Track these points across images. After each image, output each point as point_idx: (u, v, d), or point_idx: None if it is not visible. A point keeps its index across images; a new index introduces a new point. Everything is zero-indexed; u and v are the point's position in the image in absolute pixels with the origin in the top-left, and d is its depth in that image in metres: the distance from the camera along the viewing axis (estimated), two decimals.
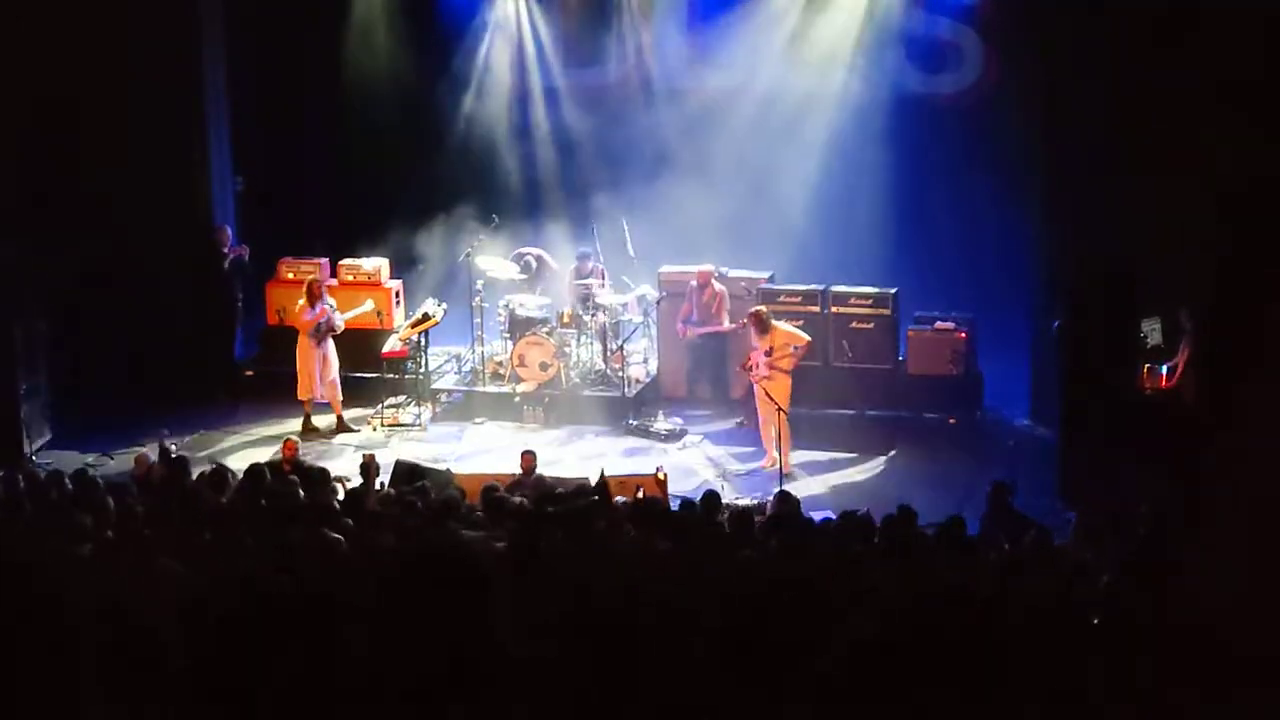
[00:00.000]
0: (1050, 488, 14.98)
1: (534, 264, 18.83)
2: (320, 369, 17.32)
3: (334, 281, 18.73)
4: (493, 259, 18.54)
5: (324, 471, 13.22)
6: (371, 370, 18.21)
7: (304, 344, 17.38)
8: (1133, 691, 5.50)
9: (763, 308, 16.44)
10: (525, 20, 19.77)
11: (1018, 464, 14.32)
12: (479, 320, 18.38)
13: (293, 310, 17.80)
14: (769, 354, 16.03)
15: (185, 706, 4.84)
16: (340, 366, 17.66)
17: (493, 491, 12.07)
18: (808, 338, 16.18)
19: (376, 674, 4.50)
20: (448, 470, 14.45)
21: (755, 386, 16.20)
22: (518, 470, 13.68)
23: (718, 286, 17.69)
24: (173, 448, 14.81)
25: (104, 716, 5.08)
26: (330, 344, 17.42)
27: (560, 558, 8.79)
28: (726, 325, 17.60)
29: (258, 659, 4.56)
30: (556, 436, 17.19)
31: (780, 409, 15.59)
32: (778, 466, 15.40)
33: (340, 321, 17.45)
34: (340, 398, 17.54)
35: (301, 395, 17.45)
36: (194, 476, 13.23)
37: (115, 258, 17.94)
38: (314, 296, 17.32)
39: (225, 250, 18.74)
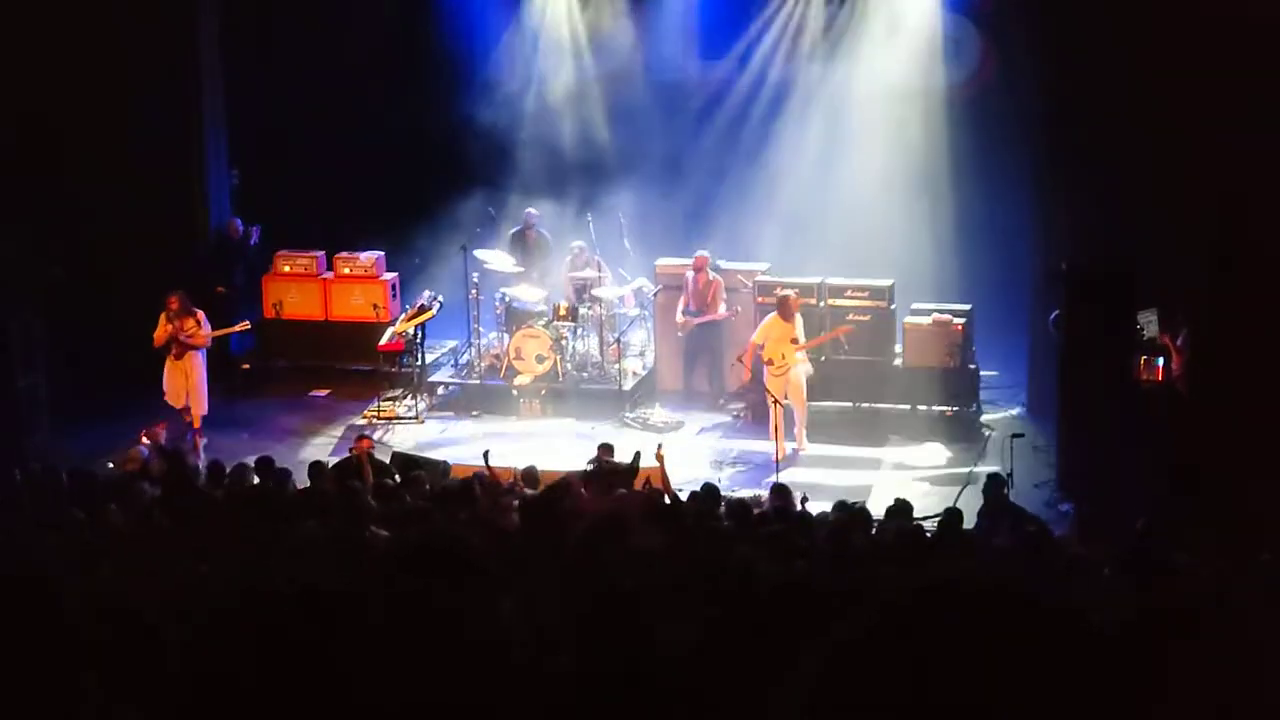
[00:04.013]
0: (1047, 480, 15.00)
1: (536, 236, 18.73)
2: (175, 381, 16.68)
3: (330, 274, 18.80)
4: (489, 251, 18.52)
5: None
6: (368, 363, 18.23)
7: (170, 359, 16.80)
8: (1129, 689, 5.49)
9: (792, 294, 16.49)
10: (524, 13, 19.73)
11: (1014, 456, 14.32)
12: (475, 313, 18.38)
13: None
14: (795, 341, 16.13)
15: (185, 708, 4.83)
16: (337, 359, 17.77)
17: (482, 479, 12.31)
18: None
19: (377, 682, 4.47)
20: (444, 462, 14.49)
21: (767, 376, 16.25)
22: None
23: (712, 275, 17.65)
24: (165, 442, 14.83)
25: (103, 717, 5.07)
26: (193, 359, 16.71)
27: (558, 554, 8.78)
28: (722, 313, 17.59)
29: (260, 660, 4.54)
30: (551, 428, 17.21)
31: (776, 400, 15.68)
32: (794, 450, 16.13)
33: (195, 339, 16.71)
34: (201, 412, 16.80)
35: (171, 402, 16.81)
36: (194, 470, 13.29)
37: (111, 254, 17.91)
38: (168, 312, 16.67)
39: (238, 238, 18.84)
